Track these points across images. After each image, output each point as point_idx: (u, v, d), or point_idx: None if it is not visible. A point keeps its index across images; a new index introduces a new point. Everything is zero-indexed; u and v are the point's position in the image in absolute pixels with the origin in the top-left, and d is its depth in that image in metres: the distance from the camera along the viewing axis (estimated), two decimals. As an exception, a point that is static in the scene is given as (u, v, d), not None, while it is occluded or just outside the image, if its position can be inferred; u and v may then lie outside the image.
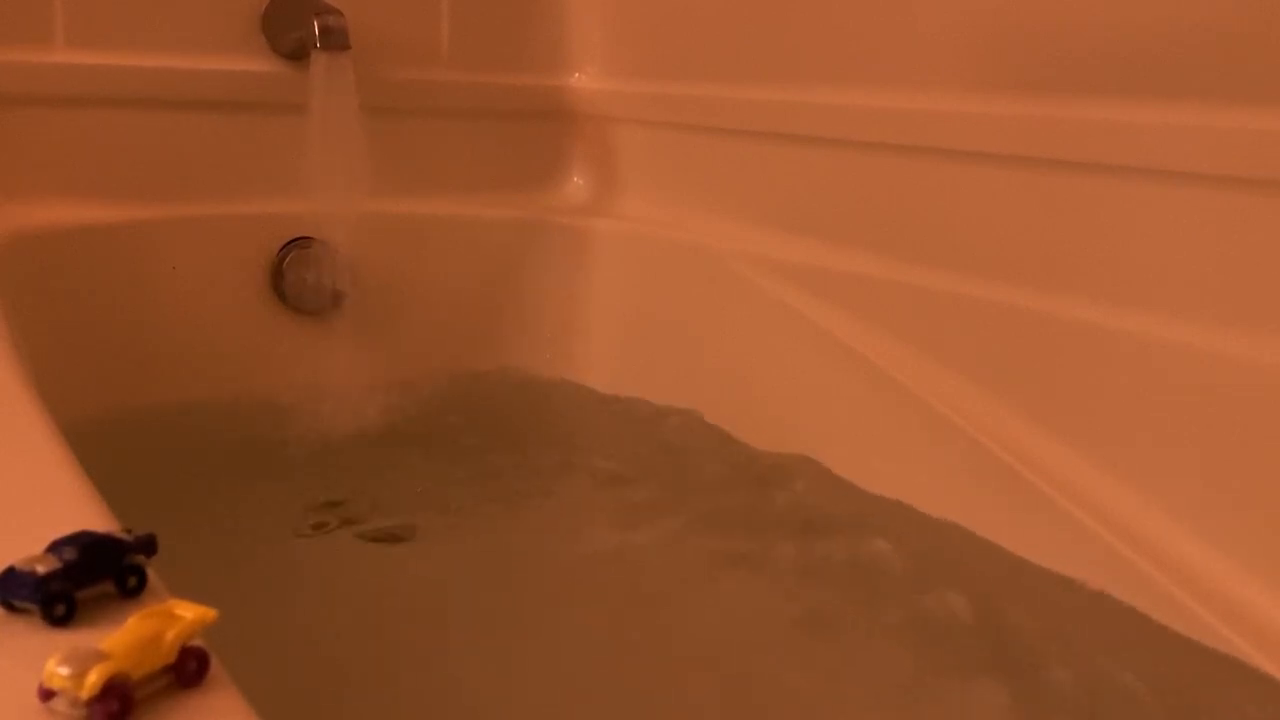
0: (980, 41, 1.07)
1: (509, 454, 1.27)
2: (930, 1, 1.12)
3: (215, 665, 0.41)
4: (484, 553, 1.04)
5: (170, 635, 0.40)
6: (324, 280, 1.32)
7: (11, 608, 0.44)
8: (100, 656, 0.38)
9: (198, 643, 0.41)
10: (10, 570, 0.44)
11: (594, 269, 1.45)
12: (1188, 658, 0.84)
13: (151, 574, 0.47)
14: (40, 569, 0.44)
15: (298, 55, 1.33)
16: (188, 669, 0.41)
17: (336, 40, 1.27)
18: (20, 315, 0.94)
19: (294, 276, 1.33)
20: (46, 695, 0.38)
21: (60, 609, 0.44)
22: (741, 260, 1.29)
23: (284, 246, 1.34)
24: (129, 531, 0.47)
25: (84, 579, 0.44)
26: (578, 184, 1.56)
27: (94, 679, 0.37)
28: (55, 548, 0.45)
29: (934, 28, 1.11)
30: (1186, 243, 0.92)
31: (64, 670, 0.38)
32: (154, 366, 1.25)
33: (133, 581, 0.46)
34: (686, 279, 1.36)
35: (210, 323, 1.31)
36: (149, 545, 0.47)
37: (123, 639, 0.40)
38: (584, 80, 1.54)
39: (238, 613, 0.45)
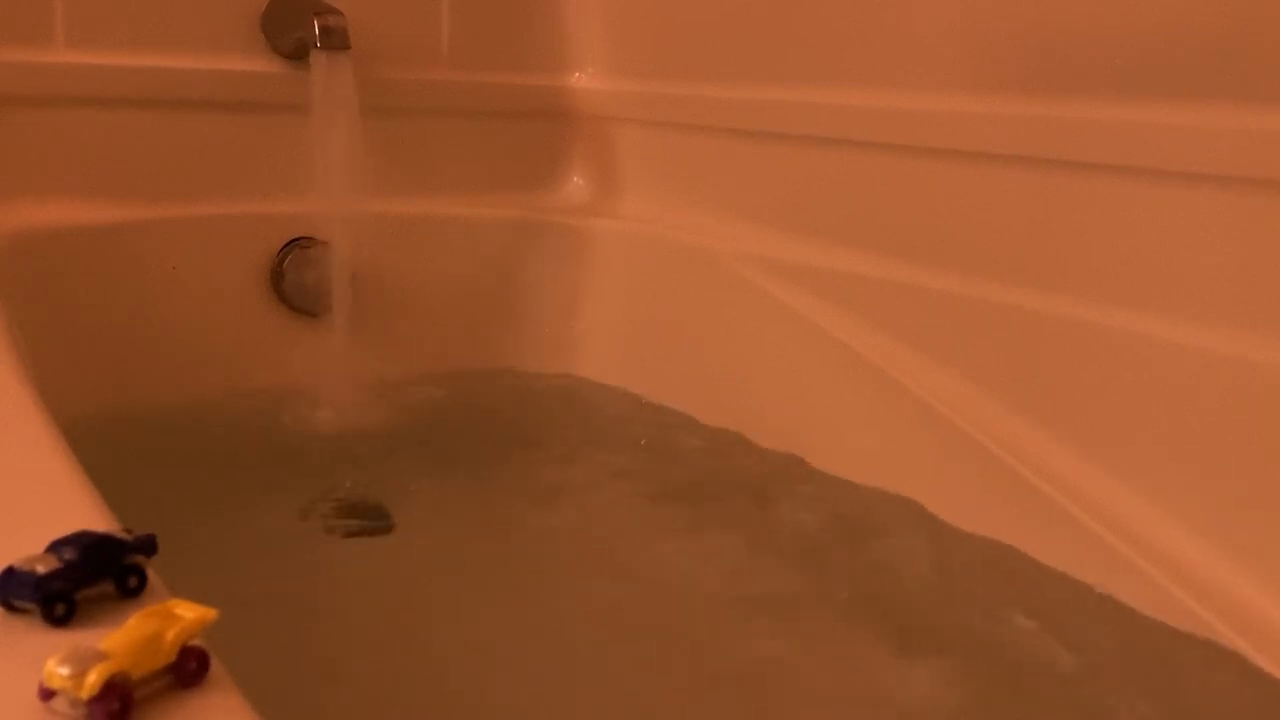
0: (980, 41, 1.07)
1: (508, 453, 1.27)
2: (930, 2, 1.12)
3: (215, 665, 0.41)
4: (483, 552, 1.04)
5: (170, 635, 0.40)
6: (324, 280, 1.32)
7: (11, 608, 0.44)
8: (100, 656, 0.38)
9: (198, 643, 0.41)
10: (10, 570, 0.44)
11: (594, 269, 1.45)
12: (1186, 655, 0.84)
13: (151, 574, 0.47)
14: (40, 569, 0.44)
15: (298, 55, 1.32)
16: (188, 669, 0.41)
17: (336, 40, 1.27)
18: (20, 315, 0.94)
19: (294, 276, 1.33)
20: (46, 695, 0.38)
21: (60, 609, 0.44)
22: (741, 260, 1.29)
23: (284, 246, 1.34)
24: (129, 531, 0.48)
25: (84, 579, 0.45)
26: (578, 184, 1.56)
27: (94, 679, 0.37)
28: (55, 548, 0.45)
29: (933, 28, 1.11)
30: (1186, 242, 0.92)
31: (64, 670, 0.38)
32: (154, 366, 1.25)
33: (133, 581, 0.46)
34: (686, 279, 1.36)
35: (210, 322, 1.31)
36: (149, 545, 0.47)
37: (123, 639, 0.40)
38: (584, 80, 1.54)
39: (238, 613, 0.45)
